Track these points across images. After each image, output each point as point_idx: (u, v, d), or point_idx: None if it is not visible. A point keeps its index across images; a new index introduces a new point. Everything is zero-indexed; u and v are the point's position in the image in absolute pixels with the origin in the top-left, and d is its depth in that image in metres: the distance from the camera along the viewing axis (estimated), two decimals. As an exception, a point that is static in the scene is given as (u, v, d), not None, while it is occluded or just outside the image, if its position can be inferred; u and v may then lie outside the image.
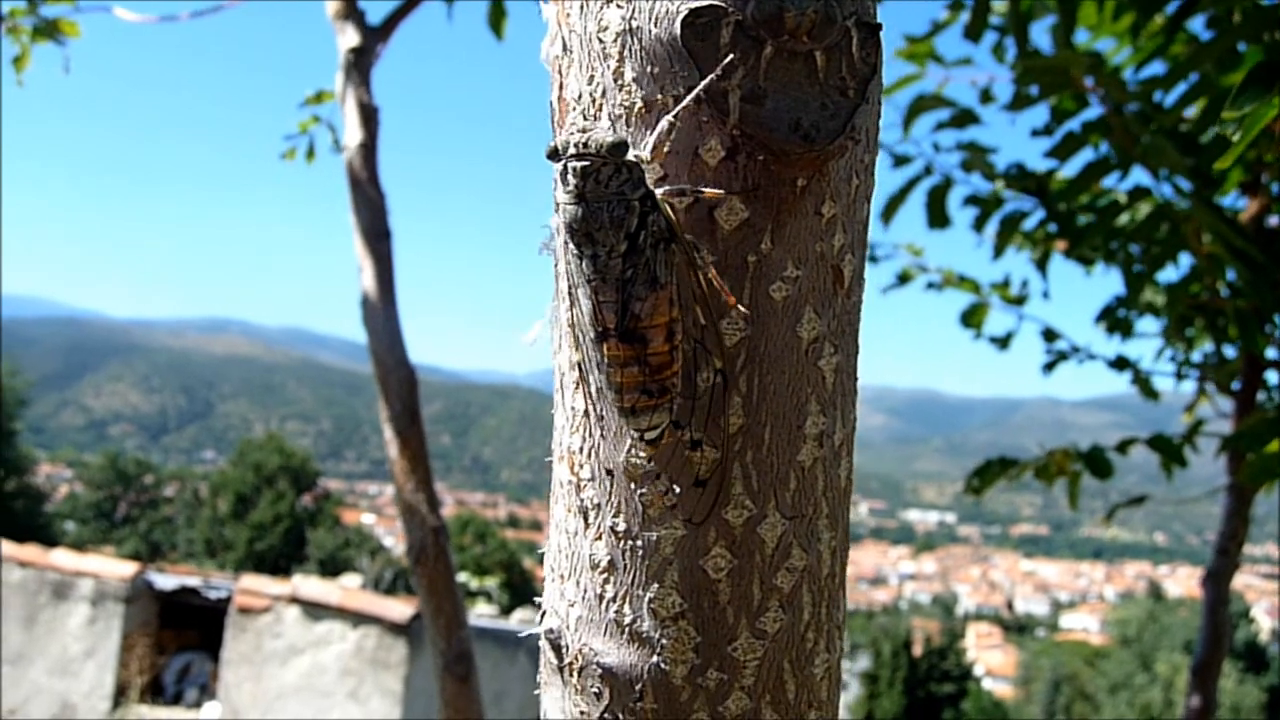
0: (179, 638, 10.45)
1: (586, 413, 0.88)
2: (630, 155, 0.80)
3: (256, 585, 9.34)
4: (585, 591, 0.89)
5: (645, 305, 0.81)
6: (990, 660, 58.53)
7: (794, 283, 0.83)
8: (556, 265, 0.90)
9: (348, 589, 9.89)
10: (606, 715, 0.88)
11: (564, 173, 0.81)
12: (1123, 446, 3.09)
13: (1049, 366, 3.58)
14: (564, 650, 0.90)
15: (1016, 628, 74.36)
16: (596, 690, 0.88)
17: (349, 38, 2.68)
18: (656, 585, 0.85)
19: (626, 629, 0.86)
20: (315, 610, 8.94)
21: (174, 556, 35.84)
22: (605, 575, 0.88)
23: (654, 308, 0.81)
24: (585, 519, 0.89)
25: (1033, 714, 40.34)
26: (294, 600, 9.03)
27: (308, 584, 9.47)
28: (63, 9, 3.12)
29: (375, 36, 2.73)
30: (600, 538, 0.88)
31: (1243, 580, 42.18)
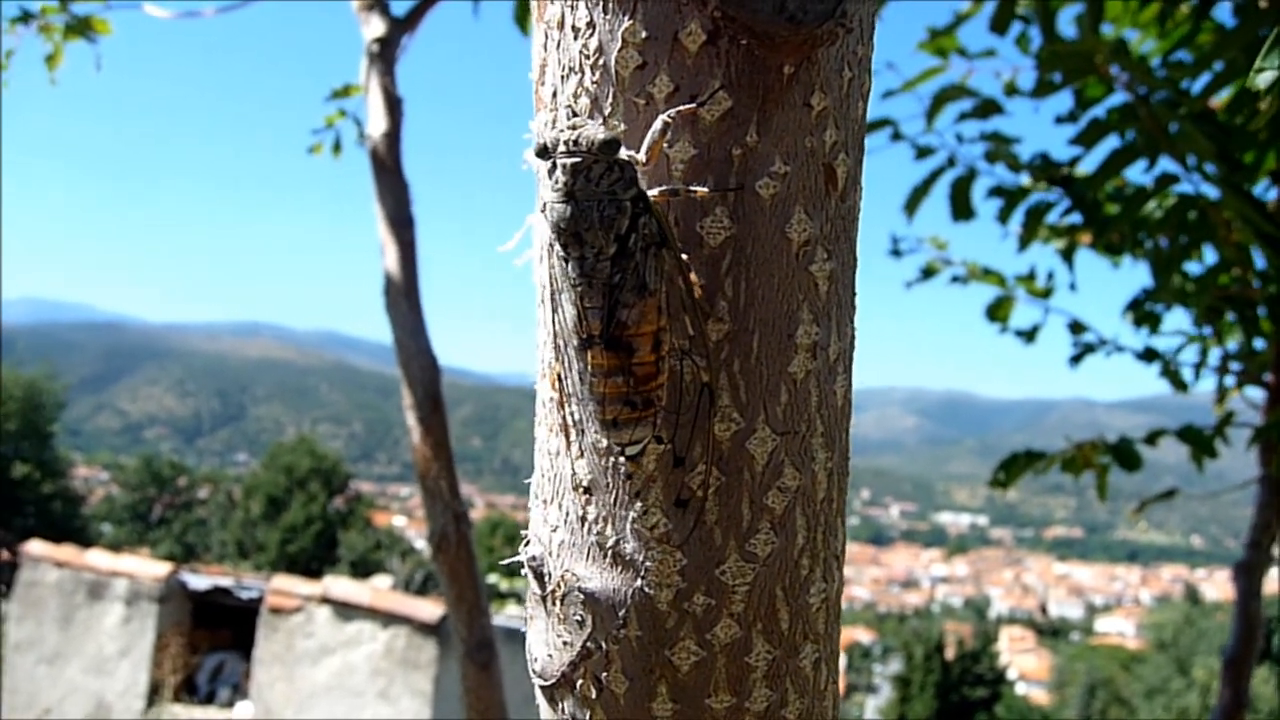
0: (212, 637, 10.55)
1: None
2: (623, 154, 0.77)
3: (288, 585, 9.42)
4: (567, 514, 0.86)
5: (633, 312, 0.78)
6: (1024, 664, 57.96)
7: (782, 179, 0.79)
8: (538, 175, 0.87)
9: (378, 589, 9.96)
10: (590, 644, 0.84)
11: (552, 169, 0.78)
12: (1151, 438, 3.06)
13: (1076, 359, 3.55)
14: (546, 578, 0.87)
15: (1050, 631, 73.58)
16: (579, 618, 0.85)
17: (374, 28, 2.71)
18: (639, 504, 0.82)
19: (609, 552, 0.83)
20: (346, 610, 9.00)
21: (207, 558, 36.15)
22: (587, 496, 0.84)
23: (642, 315, 0.79)
24: (566, 437, 0.86)
25: (1068, 718, 39.91)
26: (325, 600, 9.10)
27: (338, 584, 9.54)
28: (94, 6, 3.16)
29: (400, 27, 2.75)
30: (582, 456, 0.85)
31: (1282, 584, 41.41)
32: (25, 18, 3.16)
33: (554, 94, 0.84)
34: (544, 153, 0.79)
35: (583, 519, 0.85)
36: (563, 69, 0.83)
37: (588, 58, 0.80)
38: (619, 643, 0.83)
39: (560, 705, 0.89)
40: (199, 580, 10.25)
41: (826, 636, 0.88)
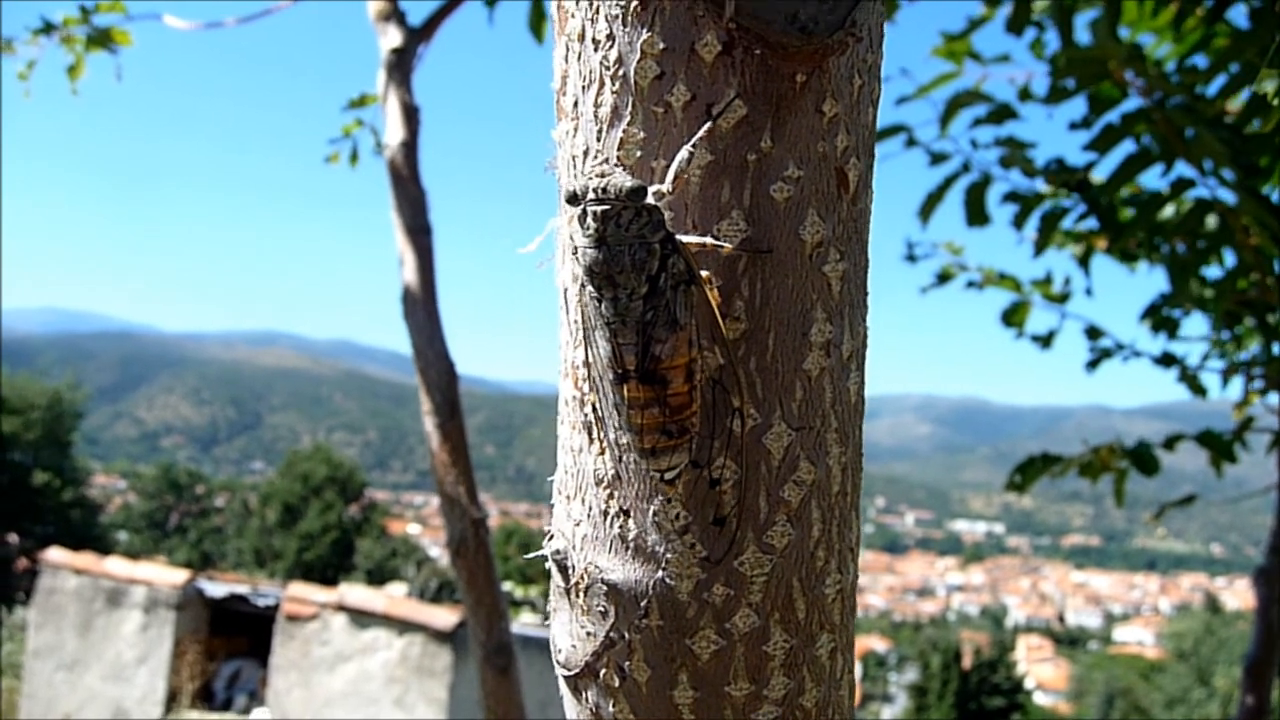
0: (229, 644, 10.61)
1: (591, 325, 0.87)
2: (649, 198, 0.80)
3: (304, 593, 9.47)
4: (590, 509, 0.89)
5: (665, 347, 0.82)
6: (1042, 673, 57.54)
7: (796, 183, 0.82)
8: (560, 179, 0.91)
9: (393, 597, 9.99)
10: (613, 634, 0.87)
11: (583, 217, 0.82)
12: (1170, 442, 3.05)
13: (1092, 364, 3.54)
14: (570, 571, 0.90)
15: (1068, 640, 73.09)
16: (602, 609, 0.87)
17: (391, 38, 2.73)
18: (660, 498, 0.85)
19: (631, 544, 0.86)
20: (362, 618, 9.04)
21: (224, 565, 36.24)
22: (609, 490, 0.87)
23: (674, 349, 0.82)
24: (589, 434, 0.89)
25: (1086, 728, 39.62)
26: (341, 608, 9.14)
27: (354, 592, 9.58)
28: (114, 18, 3.20)
29: (417, 37, 2.77)
30: (604, 452, 0.88)
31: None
32: (48, 29, 3.20)
33: (575, 104, 0.87)
34: (573, 200, 0.82)
35: (605, 513, 0.88)
36: (584, 80, 0.85)
37: (608, 69, 0.83)
38: (641, 632, 0.86)
39: (584, 695, 0.91)
40: (216, 587, 10.31)
41: (842, 627, 0.90)
